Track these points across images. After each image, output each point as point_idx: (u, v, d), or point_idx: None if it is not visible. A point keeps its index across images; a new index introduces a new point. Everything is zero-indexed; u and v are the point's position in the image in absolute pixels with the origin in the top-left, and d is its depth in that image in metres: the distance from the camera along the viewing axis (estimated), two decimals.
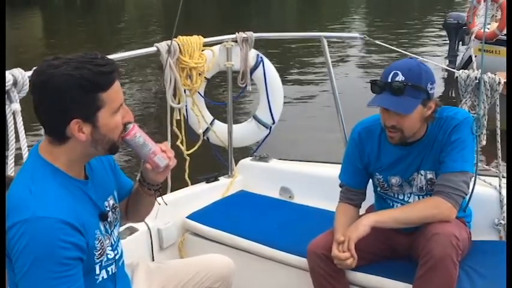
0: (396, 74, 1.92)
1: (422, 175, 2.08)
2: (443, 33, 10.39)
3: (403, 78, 1.91)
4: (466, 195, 2.01)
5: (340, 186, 2.27)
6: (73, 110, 1.34)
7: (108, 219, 1.53)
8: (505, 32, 7.90)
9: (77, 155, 1.42)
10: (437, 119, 2.03)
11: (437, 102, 2.01)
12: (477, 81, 2.45)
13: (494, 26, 8.14)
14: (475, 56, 3.07)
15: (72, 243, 1.33)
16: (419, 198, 2.11)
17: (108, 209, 1.55)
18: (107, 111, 1.38)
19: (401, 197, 2.15)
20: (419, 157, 2.07)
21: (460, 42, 9.40)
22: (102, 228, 1.49)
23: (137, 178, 1.69)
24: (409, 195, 2.13)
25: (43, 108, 1.36)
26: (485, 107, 2.44)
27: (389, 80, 1.93)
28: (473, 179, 2.08)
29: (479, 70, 2.45)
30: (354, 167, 2.20)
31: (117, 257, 1.57)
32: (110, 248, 1.52)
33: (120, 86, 1.41)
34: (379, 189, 2.21)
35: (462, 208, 2.06)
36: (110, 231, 1.53)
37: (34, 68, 1.41)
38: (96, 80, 1.34)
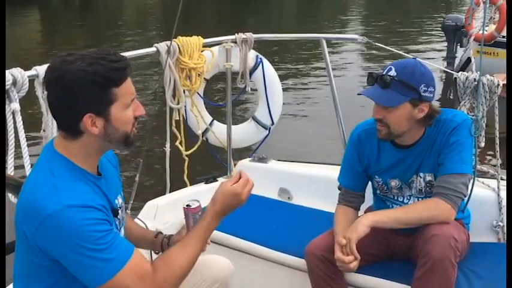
0: (390, 69, 1.96)
1: (421, 177, 2.08)
2: (442, 35, 10.40)
3: (395, 74, 1.94)
4: (465, 196, 2.02)
5: (339, 188, 2.27)
6: (87, 105, 1.37)
7: (119, 216, 1.55)
8: (502, 34, 7.93)
9: (92, 149, 1.45)
10: (436, 121, 2.04)
11: (433, 107, 2.01)
12: (476, 83, 2.46)
13: (492, 28, 8.16)
14: (474, 58, 3.08)
15: (102, 219, 1.37)
16: (418, 201, 2.11)
17: (119, 206, 1.58)
18: (119, 105, 1.41)
19: (400, 199, 2.15)
20: (418, 159, 2.07)
21: (458, 44, 9.42)
22: (114, 224, 1.50)
23: (161, 233, 1.82)
24: (408, 197, 2.14)
25: (57, 103, 1.39)
26: (484, 109, 2.45)
27: (382, 74, 1.97)
28: (471, 180, 2.08)
29: (478, 72, 2.46)
30: (353, 170, 2.21)
31: None
32: None
33: (131, 82, 1.44)
34: (378, 191, 2.21)
35: (461, 209, 2.07)
36: (119, 228, 1.56)
37: (35, 69, 1.43)
38: (110, 76, 1.37)
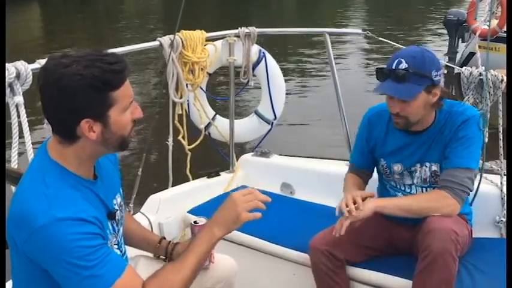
0: (400, 62, 1.95)
1: (426, 167, 2.09)
2: (444, 30, 10.37)
3: (407, 66, 1.93)
4: (471, 191, 2.02)
5: (350, 166, 2.32)
6: (84, 110, 1.31)
7: (116, 218, 1.51)
8: (504, 29, 7.90)
9: (87, 154, 1.40)
10: (446, 111, 2.05)
11: (443, 89, 2.02)
12: (480, 77, 2.46)
13: (494, 23, 8.12)
14: (479, 53, 3.07)
15: (93, 233, 1.32)
16: (422, 190, 2.12)
17: (116, 207, 1.54)
18: (117, 109, 1.35)
19: (402, 188, 2.16)
20: (424, 147, 2.08)
21: (460, 39, 9.39)
22: (110, 227, 1.48)
23: (164, 238, 1.80)
24: (409, 186, 2.14)
25: (53, 108, 1.33)
26: (488, 104, 2.45)
27: (393, 68, 1.96)
28: (478, 176, 2.08)
29: (483, 67, 2.45)
30: (361, 150, 2.25)
31: (123, 256, 1.57)
32: (116, 247, 1.51)
33: (129, 84, 1.38)
34: (384, 176, 2.23)
35: (468, 203, 2.06)
36: (116, 230, 1.52)
37: (39, 63, 1.40)
38: (107, 79, 1.31)
